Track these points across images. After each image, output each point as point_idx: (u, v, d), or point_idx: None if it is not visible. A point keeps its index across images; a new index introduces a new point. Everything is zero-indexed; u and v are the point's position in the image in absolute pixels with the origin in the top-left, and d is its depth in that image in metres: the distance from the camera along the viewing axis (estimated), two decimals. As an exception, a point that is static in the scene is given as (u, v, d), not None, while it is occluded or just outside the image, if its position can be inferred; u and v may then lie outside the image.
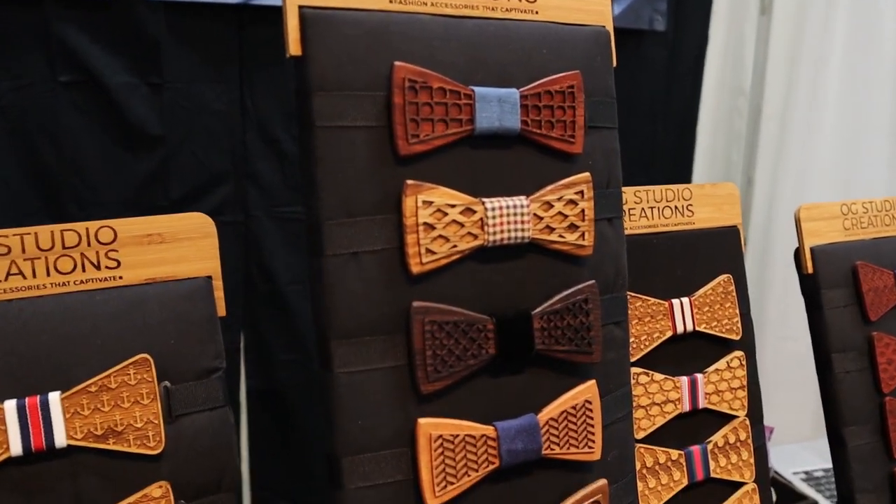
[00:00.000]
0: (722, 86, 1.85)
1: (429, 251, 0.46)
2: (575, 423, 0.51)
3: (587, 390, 0.52)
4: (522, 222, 0.49)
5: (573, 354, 0.51)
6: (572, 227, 0.51)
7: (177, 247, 0.54)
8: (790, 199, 1.98)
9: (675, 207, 0.75)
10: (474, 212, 0.48)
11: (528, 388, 0.51)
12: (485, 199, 0.48)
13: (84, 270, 0.52)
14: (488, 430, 0.49)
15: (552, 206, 0.50)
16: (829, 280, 0.80)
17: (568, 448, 0.51)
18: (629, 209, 0.72)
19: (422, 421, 0.47)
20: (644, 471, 0.68)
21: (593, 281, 0.52)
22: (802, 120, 1.94)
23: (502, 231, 0.48)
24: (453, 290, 0.48)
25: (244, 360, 1.57)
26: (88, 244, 0.52)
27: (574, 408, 0.51)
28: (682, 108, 1.85)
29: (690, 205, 0.76)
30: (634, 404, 0.68)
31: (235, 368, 1.55)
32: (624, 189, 0.67)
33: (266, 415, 1.59)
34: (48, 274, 0.51)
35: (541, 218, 0.50)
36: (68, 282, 0.52)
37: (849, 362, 0.80)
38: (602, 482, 0.53)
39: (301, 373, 1.58)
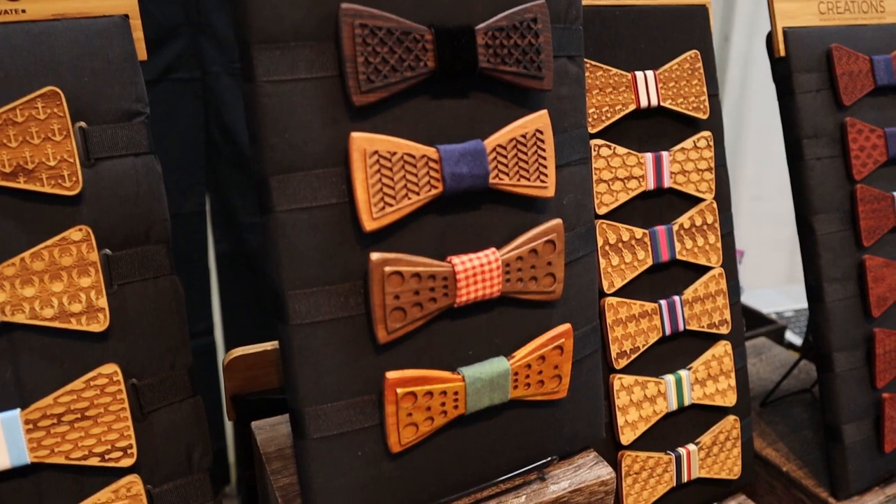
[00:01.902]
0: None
1: (355, -55, 0.42)
2: (525, 154, 0.48)
3: (538, 119, 0.48)
4: (461, -77, 0.44)
5: (522, 78, 0.47)
6: (518, -63, 0.46)
7: (86, -20, 0.49)
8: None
9: (640, -20, 0.70)
10: None
11: (473, 114, 0.47)
12: None
13: (-20, 2, 0.47)
14: (429, 150, 0.45)
15: (495, -90, 0.45)
16: (801, 63, 0.76)
17: (518, 180, 0.48)
18: (589, -22, 0.68)
19: (355, 135, 0.43)
20: (607, 248, 0.66)
21: (543, 1, 0.48)
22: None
23: (439, -70, 0.43)
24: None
25: (211, 224, 1.53)
26: (-18, -28, 0.47)
27: (524, 136, 0.48)
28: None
29: (656, -22, 0.71)
30: (596, 178, 0.65)
31: (203, 231, 1.51)
32: (584, -46, 0.62)
33: (235, 279, 1.56)
34: (-62, 5, 0.46)
35: (482, -78, 0.45)
36: (-37, 14, 0.47)
37: (820, 149, 0.77)
38: (556, 222, 0.50)
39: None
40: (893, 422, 0.79)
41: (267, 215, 0.44)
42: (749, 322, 1.19)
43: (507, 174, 0.47)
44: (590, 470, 0.56)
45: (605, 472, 0.56)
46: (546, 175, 0.49)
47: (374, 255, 0.44)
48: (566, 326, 0.51)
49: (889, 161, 0.80)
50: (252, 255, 1.53)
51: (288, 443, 0.59)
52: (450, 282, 0.47)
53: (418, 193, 0.45)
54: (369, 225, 0.44)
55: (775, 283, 1.76)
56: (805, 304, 1.44)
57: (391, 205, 0.44)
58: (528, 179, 0.48)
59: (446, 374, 0.48)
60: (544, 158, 0.49)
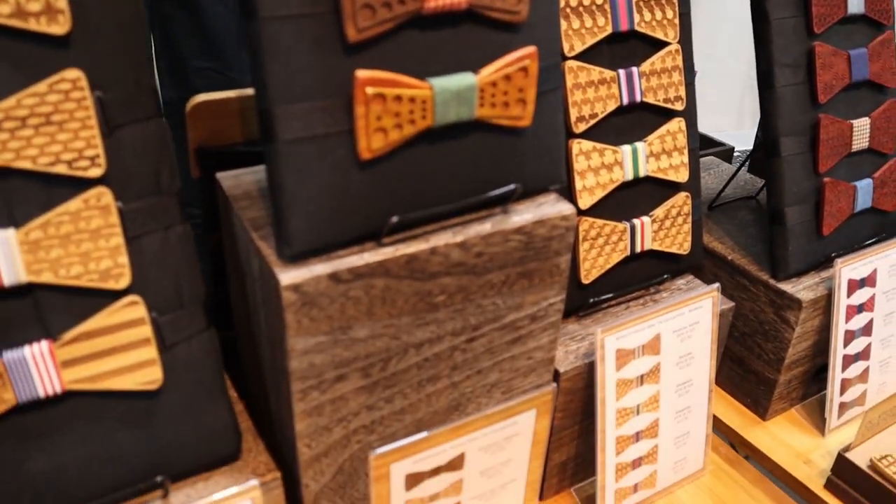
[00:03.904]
0: None
1: None
2: None
3: None
4: None
5: None
6: None
7: None
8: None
9: None
10: None
11: None
12: None
13: None
14: None
15: None
16: None
17: None
18: None
19: None
20: (568, 10, 0.66)
21: None
22: None
23: None
24: None
25: (157, 68, 1.48)
26: None
27: None
28: None
29: None
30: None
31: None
32: None
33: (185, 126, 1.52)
34: None
35: None
36: None
37: (777, -69, 0.77)
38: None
39: (218, 82, 1.49)
40: (832, 205, 0.84)
41: None
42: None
43: None
44: (552, 206, 0.58)
45: (566, 207, 0.58)
46: None
47: (343, -56, 0.44)
48: (531, 48, 0.52)
49: (842, -50, 0.81)
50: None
51: (255, 188, 0.59)
52: (418, -17, 0.46)
53: None
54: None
55: (723, 131, 1.80)
56: (751, 146, 1.48)
57: None
58: None
59: (415, 80, 0.48)
60: None
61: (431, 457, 0.57)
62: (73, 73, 0.46)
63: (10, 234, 0.46)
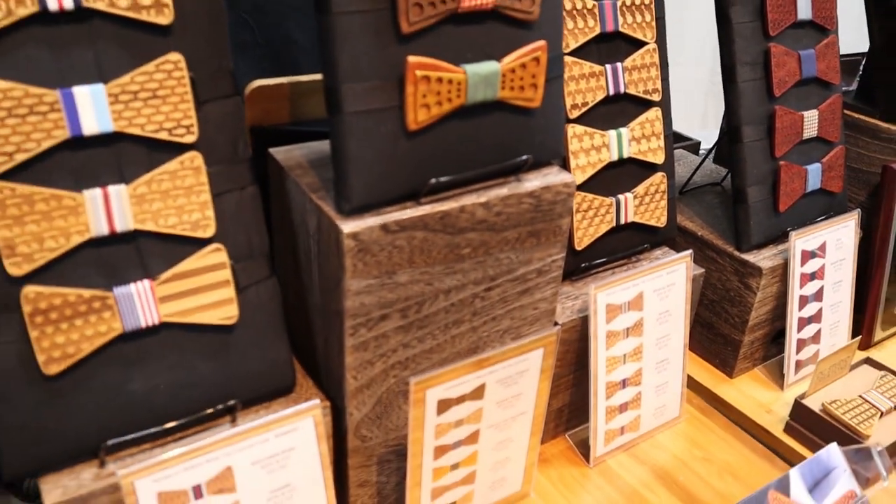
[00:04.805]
0: None
1: None
2: None
3: None
4: None
5: None
6: None
7: None
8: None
9: None
10: None
11: None
12: None
13: None
14: None
15: None
16: None
17: None
18: None
19: None
20: (563, 12, 0.78)
21: None
22: None
23: None
24: None
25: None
26: None
27: None
28: None
29: None
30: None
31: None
32: None
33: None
34: None
35: None
36: None
37: (737, -51, 0.90)
38: (536, -49, 0.61)
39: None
40: (787, 186, 0.96)
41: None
42: (668, 141, 1.34)
43: None
44: (556, 175, 0.70)
45: (568, 177, 0.70)
46: None
47: (400, -46, 0.55)
48: (542, 42, 0.64)
49: (793, -35, 0.94)
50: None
51: (305, 160, 0.70)
52: (456, -13, 0.58)
53: None
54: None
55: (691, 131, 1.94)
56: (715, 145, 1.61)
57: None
58: None
59: (452, 66, 0.59)
60: None
61: (459, 385, 0.67)
62: (175, 56, 0.57)
63: (122, 188, 0.56)
